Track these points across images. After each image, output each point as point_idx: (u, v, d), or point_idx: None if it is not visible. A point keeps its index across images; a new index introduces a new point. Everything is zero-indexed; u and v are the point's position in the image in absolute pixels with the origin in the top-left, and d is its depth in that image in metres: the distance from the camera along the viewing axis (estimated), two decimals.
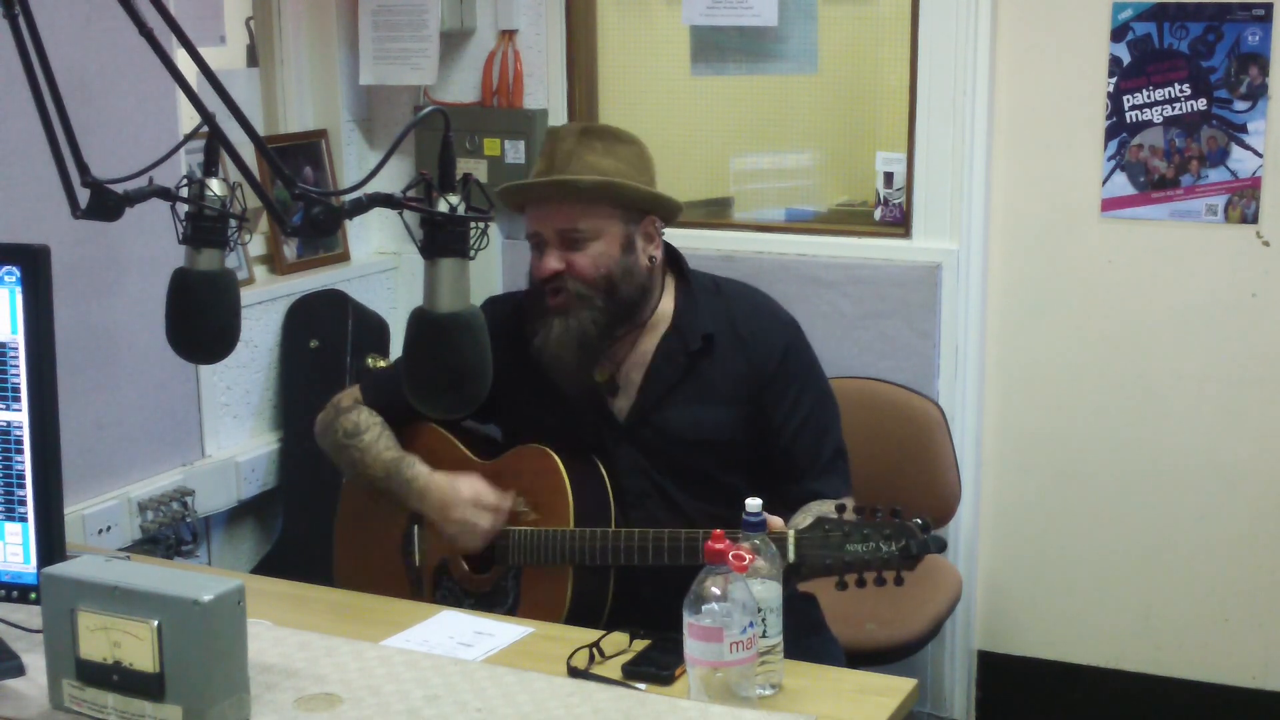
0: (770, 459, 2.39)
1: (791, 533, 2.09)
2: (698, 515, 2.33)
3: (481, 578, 2.42)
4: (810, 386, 2.41)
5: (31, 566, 1.88)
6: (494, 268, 3.79)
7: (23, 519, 1.87)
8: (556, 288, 2.31)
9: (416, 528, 2.49)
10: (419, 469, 2.41)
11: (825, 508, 2.22)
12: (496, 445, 2.50)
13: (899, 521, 2.05)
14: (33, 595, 1.87)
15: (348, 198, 1.67)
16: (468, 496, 2.36)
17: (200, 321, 1.90)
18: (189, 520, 3.24)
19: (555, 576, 2.33)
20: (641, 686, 1.90)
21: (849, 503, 2.22)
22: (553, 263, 2.30)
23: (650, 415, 2.39)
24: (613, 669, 1.95)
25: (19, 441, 1.85)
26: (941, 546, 2.07)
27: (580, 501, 2.33)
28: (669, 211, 2.39)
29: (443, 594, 2.45)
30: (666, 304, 2.41)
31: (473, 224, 1.67)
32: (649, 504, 2.37)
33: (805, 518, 2.19)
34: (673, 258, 2.45)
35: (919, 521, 2.05)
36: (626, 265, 2.32)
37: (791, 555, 2.08)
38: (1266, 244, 3.24)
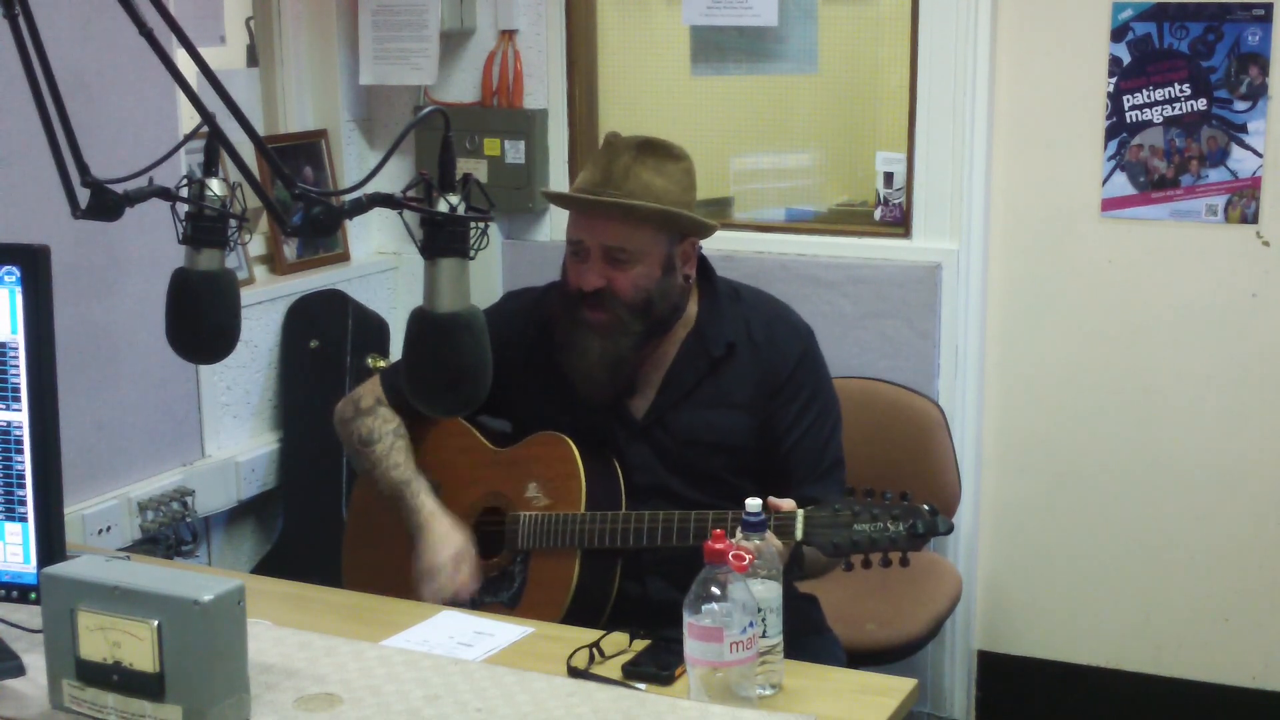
0: (770, 462, 2.40)
1: (800, 512, 2.12)
2: None
3: (490, 563, 2.43)
4: (819, 396, 2.43)
5: (31, 566, 1.88)
6: (494, 268, 3.79)
7: (23, 519, 1.87)
8: (597, 304, 2.32)
9: None
10: (423, 500, 2.44)
11: None
12: (510, 438, 2.52)
13: (907, 503, 2.10)
14: (33, 595, 1.87)
15: (348, 198, 1.67)
16: (447, 560, 2.37)
17: (200, 321, 1.90)
18: (189, 520, 3.24)
19: (562, 562, 2.34)
20: (641, 686, 1.90)
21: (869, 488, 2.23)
22: (594, 279, 2.31)
23: (666, 416, 2.40)
24: (613, 669, 1.95)
25: (19, 441, 1.85)
26: (949, 528, 2.10)
27: (592, 489, 2.35)
28: (709, 233, 2.40)
29: None
30: (690, 308, 2.43)
31: (473, 224, 1.68)
32: (658, 502, 2.38)
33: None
34: (699, 263, 2.45)
35: (927, 505, 2.09)
36: (665, 286, 2.34)
37: (799, 533, 2.10)
38: (1266, 244, 3.24)
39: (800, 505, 2.24)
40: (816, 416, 2.41)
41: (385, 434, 2.49)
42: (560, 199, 2.42)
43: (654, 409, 2.41)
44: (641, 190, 2.29)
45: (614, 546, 2.32)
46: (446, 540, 2.40)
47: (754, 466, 2.40)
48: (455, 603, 2.34)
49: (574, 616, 2.27)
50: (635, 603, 2.34)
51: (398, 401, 2.51)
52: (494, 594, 2.40)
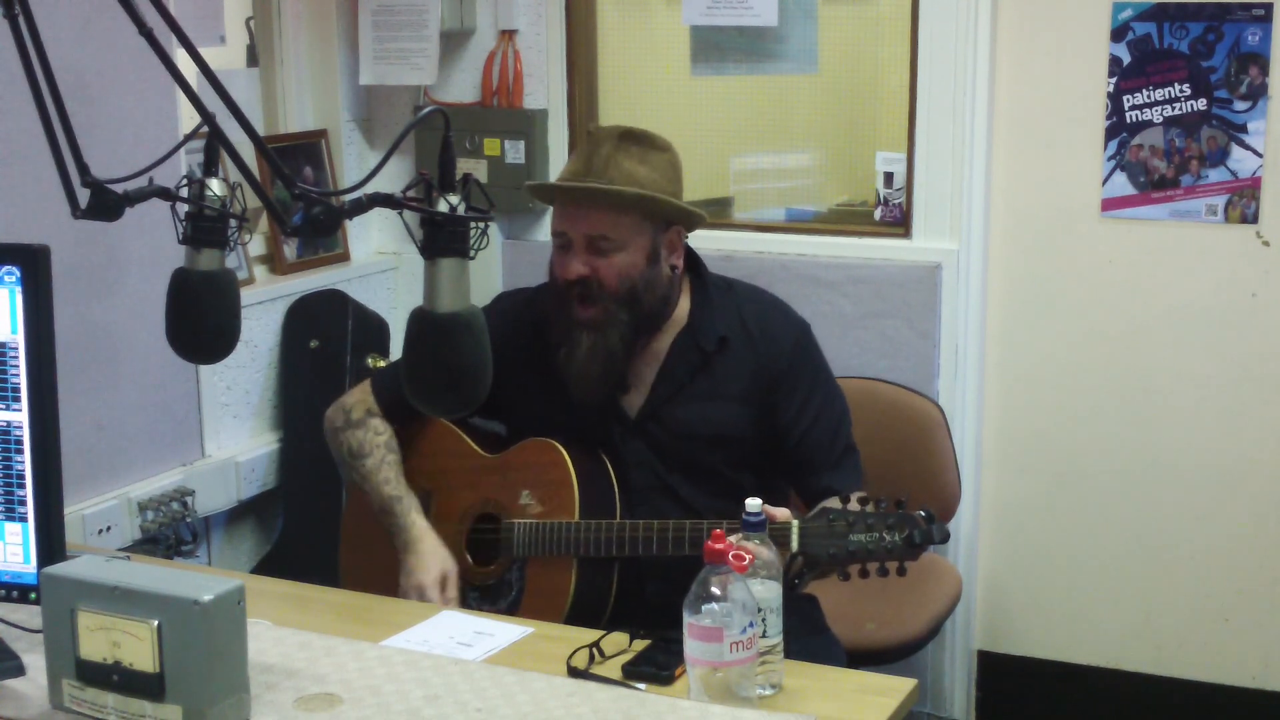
0: (782, 456, 2.40)
1: (795, 523, 2.11)
2: (705, 512, 2.34)
3: (487, 570, 2.43)
4: (820, 385, 2.42)
5: (31, 566, 1.88)
6: (494, 268, 3.79)
7: (23, 519, 1.87)
8: (585, 295, 2.32)
9: None
10: (413, 519, 2.44)
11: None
12: (503, 440, 2.51)
13: (903, 512, 2.07)
14: (33, 595, 1.87)
15: (348, 198, 1.67)
16: (433, 580, 2.38)
17: (200, 321, 1.90)
18: (189, 520, 3.24)
19: (559, 569, 2.34)
20: (641, 686, 1.90)
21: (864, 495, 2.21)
22: (578, 267, 2.31)
23: (660, 411, 2.40)
24: (613, 669, 1.95)
25: (19, 441, 1.85)
26: (945, 537, 2.09)
27: (586, 494, 2.34)
28: (695, 222, 2.40)
29: None
30: (682, 303, 2.42)
31: (473, 224, 1.68)
32: (656, 499, 2.38)
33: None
34: (689, 257, 2.45)
35: (923, 512, 2.07)
36: (650, 276, 2.33)
37: (795, 544, 2.09)
38: (1266, 244, 3.24)
39: (820, 496, 2.23)
40: (821, 405, 2.40)
41: (376, 447, 2.48)
42: (541, 189, 2.42)
43: (648, 404, 2.41)
44: (623, 179, 2.29)
45: (610, 555, 2.32)
46: (432, 559, 2.40)
47: (753, 461, 2.40)
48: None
49: (572, 623, 2.26)
50: (633, 607, 2.33)
51: (390, 406, 2.50)
52: (492, 602, 2.40)
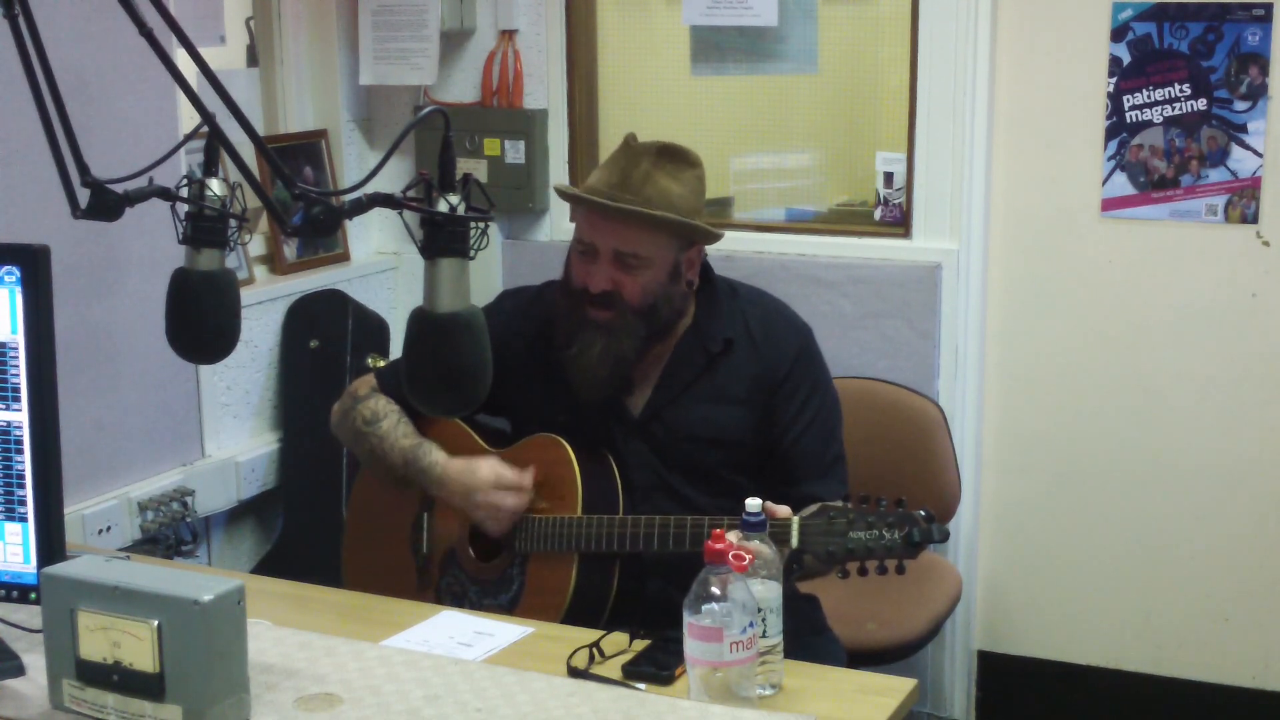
0: (773, 459, 2.40)
1: (796, 519, 2.12)
2: (707, 510, 2.34)
3: (488, 565, 2.43)
4: (819, 391, 2.43)
5: (31, 566, 1.88)
6: (494, 268, 3.79)
7: (23, 519, 1.87)
8: (603, 303, 2.32)
9: (425, 516, 2.51)
10: (436, 456, 2.43)
11: None
12: (508, 437, 2.52)
13: (902, 510, 2.09)
14: (33, 595, 1.87)
15: (348, 198, 1.67)
16: (488, 479, 2.37)
17: (200, 321, 1.90)
18: (189, 520, 3.24)
19: (560, 565, 2.34)
20: (641, 686, 1.90)
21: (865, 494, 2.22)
22: (603, 281, 2.31)
23: (663, 412, 2.40)
24: (613, 669, 1.95)
25: (19, 441, 1.85)
26: (945, 536, 2.10)
27: (589, 491, 2.35)
28: (715, 240, 2.41)
29: (449, 582, 2.47)
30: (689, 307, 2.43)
31: (473, 224, 1.68)
32: (657, 499, 2.39)
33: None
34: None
35: (923, 512, 2.08)
36: (670, 292, 2.34)
37: (795, 541, 2.10)
38: (1266, 244, 3.24)
39: (804, 503, 2.24)
40: (817, 412, 2.41)
41: (390, 412, 2.49)
42: (578, 199, 2.41)
43: (650, 405, 2.41)
44: (659, 196, 2.30)
45: (611, 551, 2.32)
46: (474, 469, 2.38)
47: (752, 463, 2.41)
48: (518, 509, 2.35)
49: (572, 619, 2.26)
50: (633, 604, 2.34)
51: (394, 396, 2.51)
52: (493, 597, 2.40)
